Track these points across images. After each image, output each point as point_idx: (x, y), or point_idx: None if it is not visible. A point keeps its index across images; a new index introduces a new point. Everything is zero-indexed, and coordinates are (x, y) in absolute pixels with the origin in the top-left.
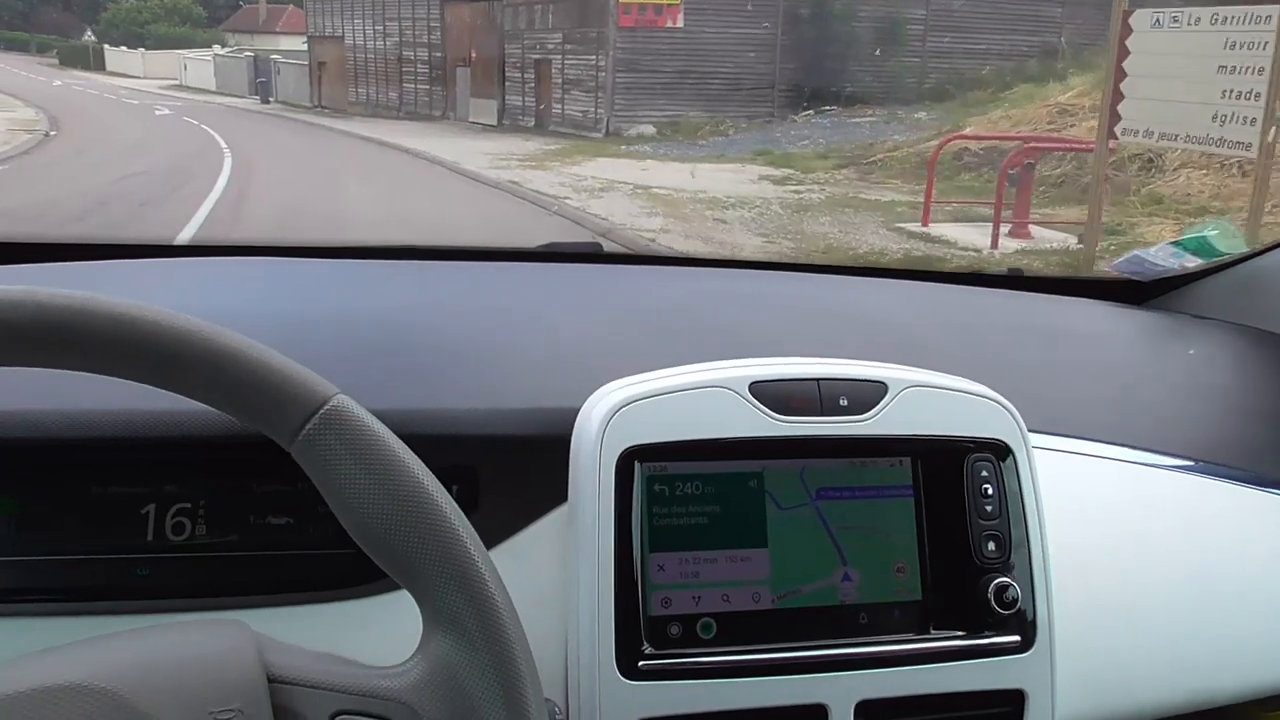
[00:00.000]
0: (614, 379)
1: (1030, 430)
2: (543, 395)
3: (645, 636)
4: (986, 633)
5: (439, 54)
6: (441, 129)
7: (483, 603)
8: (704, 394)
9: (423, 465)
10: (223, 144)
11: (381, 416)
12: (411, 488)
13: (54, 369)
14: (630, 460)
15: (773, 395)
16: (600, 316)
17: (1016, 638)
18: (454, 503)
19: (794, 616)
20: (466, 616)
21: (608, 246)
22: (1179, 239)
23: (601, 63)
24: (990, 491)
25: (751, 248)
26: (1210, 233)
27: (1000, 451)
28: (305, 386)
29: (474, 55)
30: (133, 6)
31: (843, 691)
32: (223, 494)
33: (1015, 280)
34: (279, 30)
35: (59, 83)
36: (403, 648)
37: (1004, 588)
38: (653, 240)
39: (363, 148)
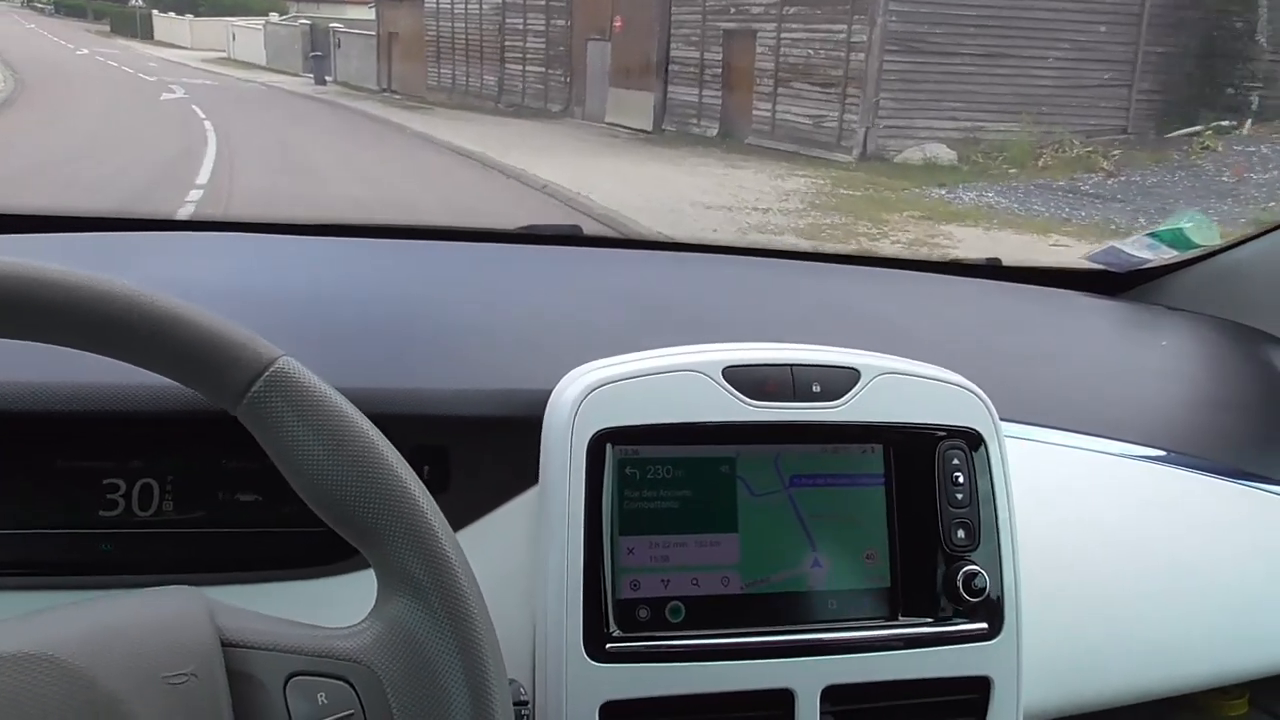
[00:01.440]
0: (589, 359)
1: (1003, 419)
2: (516, 377)
3: (613, 619)
4: (954, 620)
5: (561, 21)
6: (565, 133)
7: (437, 560)
8: (677, 378)
9: (372, 425)
10: (205, 165)
11: (353, 395)
12: (362, 447)
13: (41, 345)
14: (602, 443)
15: (746, 380)
16: (577, 299)
17: (984, 625)
18: (405, 461)
19: (763, 602)
20: (421, 574)
21: (588, 228)
22: (1155, 230)
23: (859, 38)
24: (961, 480)
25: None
26: (1185, 225)
27: (972, 440)
28: (249, 349)
29: (618, 23)
30: None
31: (810, 676)
32: (191, 470)
33: (993, 270)
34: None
35: (84, 51)
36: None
37: (972, 575)
38: None
39: (452, 167)
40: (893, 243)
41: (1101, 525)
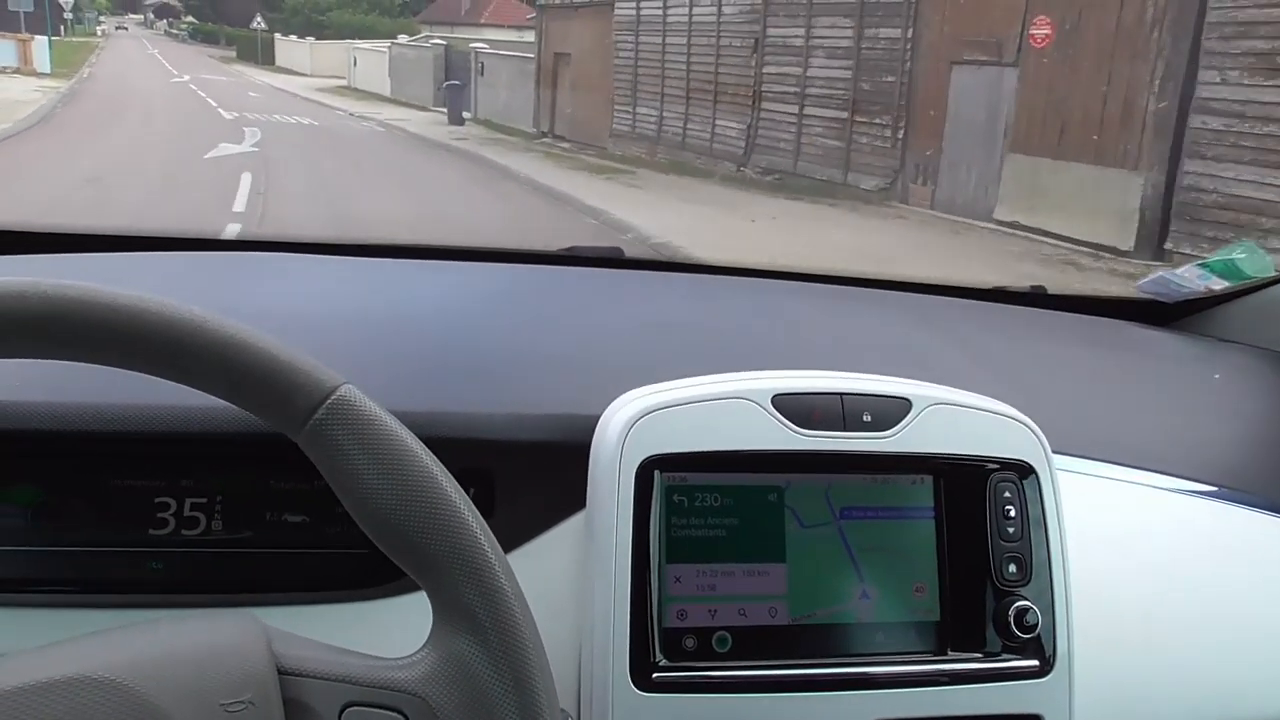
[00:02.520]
0: (634, 386)
1: (1053, 450)
2: (562, 401)
3: (660, 648)
4: (1005, 656)
5: (893, 30)
6: (901, 235)
7: (493, 593)
8: (726, 405)
9: (432, 455)
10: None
11: (400, 417)
12: (421, 477)
13: (60, 360)
14: (650, 470)
15: (795, 408)
16: (621, 322)
17: (1035, 662)
18: (464, 493)
19: (810, 633)
20: (477, 607)
21: (629, 251)
22: (1206, 260)
23: None
24: (1012, 513)
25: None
26: (1238, 256)
27: (1024, 472)
28: (312, 376)
29: (1042, 30)
30: None
31: (857, 711)
32: (240, 490)
33: (1039, 298)
34: (484, 21)
35: (183, 78)
36: (416, 647)
37: (1024, 611)
38: None
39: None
40: None
41: (1153, 561)
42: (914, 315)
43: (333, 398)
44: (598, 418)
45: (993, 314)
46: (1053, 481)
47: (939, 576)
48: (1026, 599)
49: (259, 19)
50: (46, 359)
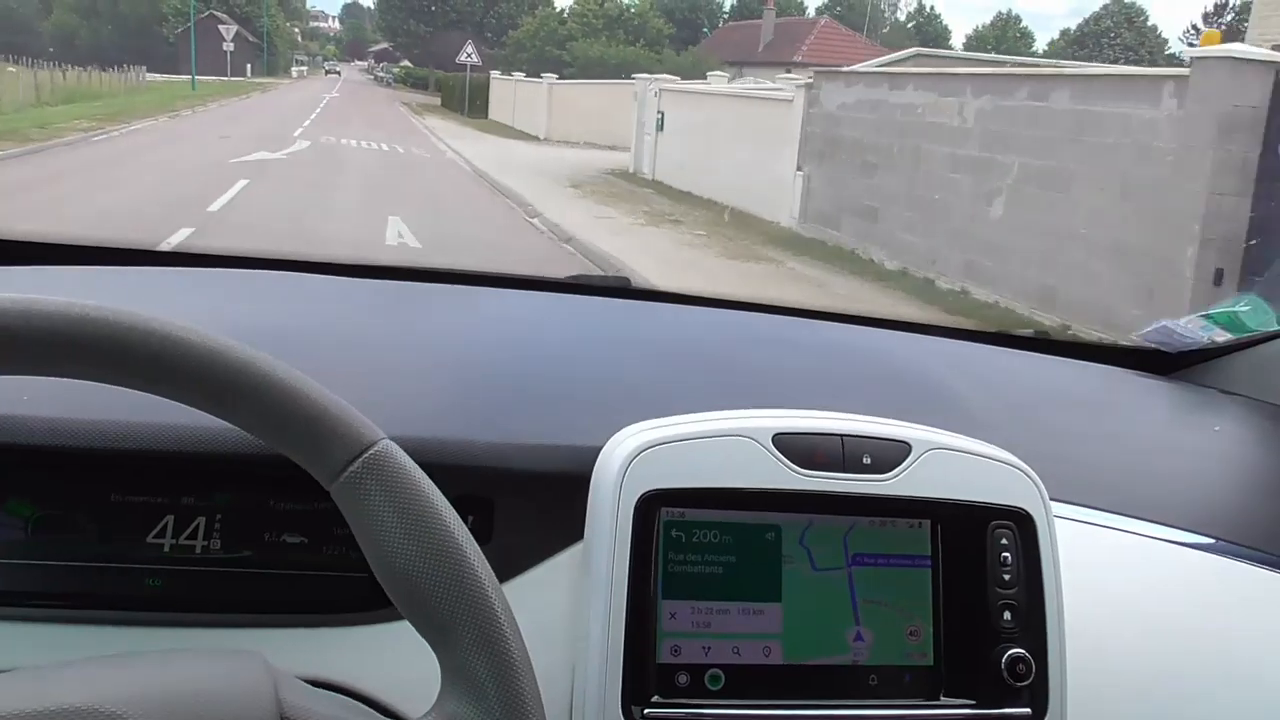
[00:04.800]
0: (637, 418)
1: (1051, 498)
2: (564, 431)
3: (653, 684)
4: (998, 703)
5: None
6: None
7: (504, 665)
8: (727, 442)
9: (459, 520)
10: None
11: (401, 443)
12: (446, 543)
13: (103, 384)
14: (649, 504)
15: (796, 448)
16: (626, 353)
17: (1027, 710)
18: (487, 563)
19: (803, 674)
20: (486, 680)
21: (635, 281)
22: (1209, 312)
23: None
24: (1009, 560)
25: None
26: (1242, 308)
27: (1021, 520)
28: (352, 428)
29: None
30: (547, 17)
31: None
32: (239, 509)
33: (1041, 343)
34: (797, 60)
35: (351, 142)
36: (412, 676)
37: (1017, 659)
38: None
39: None
40: None
41: (1148, 612)
42: (917, 355)
43: (370, 452)
44: (599, 449)
45: (996, 357)
46: (1050, 530)
47: (934, 621)
48: (1021, 647)
49: (469, 50)
50: (90, 381)
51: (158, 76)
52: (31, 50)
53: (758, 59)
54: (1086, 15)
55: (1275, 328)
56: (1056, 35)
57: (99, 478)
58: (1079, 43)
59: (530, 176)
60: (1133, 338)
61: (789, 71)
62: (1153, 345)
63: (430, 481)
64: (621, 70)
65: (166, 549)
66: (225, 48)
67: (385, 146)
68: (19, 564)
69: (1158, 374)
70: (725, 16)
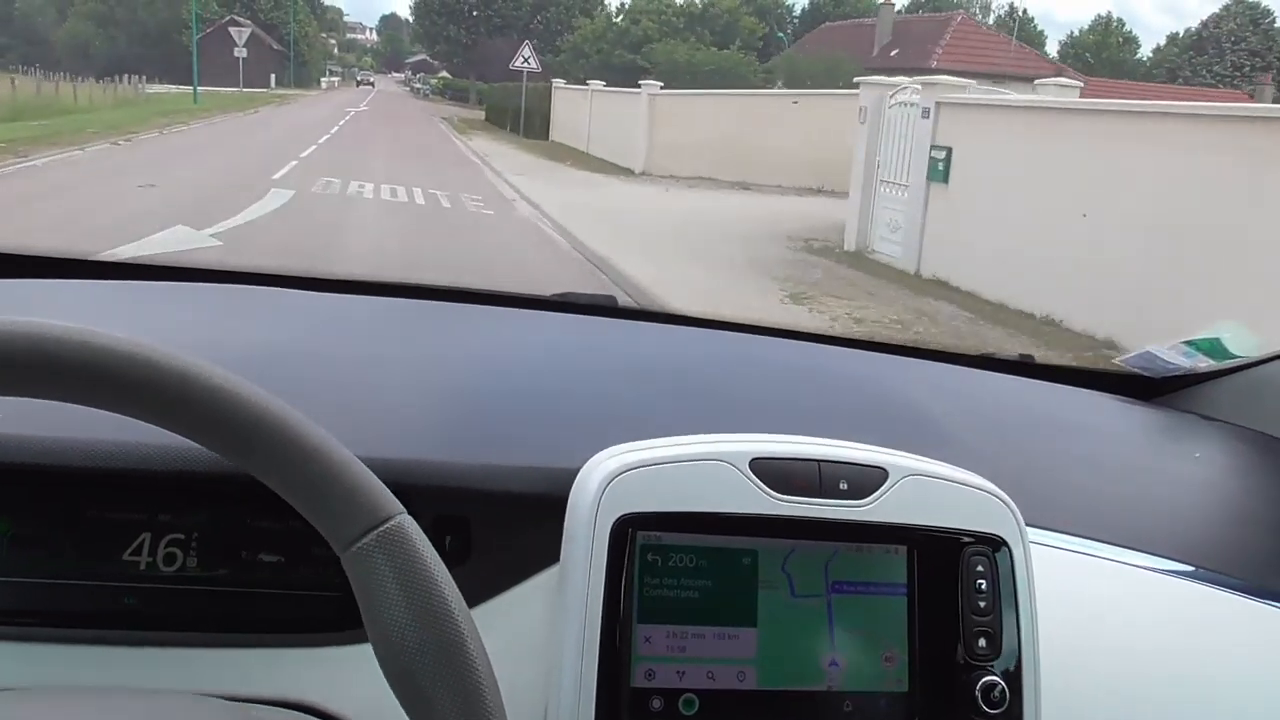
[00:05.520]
0: (616, 439)
1: (1029, 524)
2: (542, 452)
3: (626, 708)
4: None
5: None
6: None
7: None
8: (704, 466)
9: (464, 609)
10: None
11: (375, 465)
12: (448, 631)
13: (136, 420)
14: (625, 528)
15: (773, 473)
16: (608, 373)
17: None
18: (486, 655)
19: (778, 699)
20: None
21: (622, 300)
22: (1192, 339)
23: None
24: (984, 587)
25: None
26: (1224, 335)
27: (996, 546)
28: (370, 499)
29: None
30: (616, 15)
31: None
32: (216, 527)
33: (1025, 367)
34: (932, 65)
35: (364, 189)
36: (387, 697)
37: (991, 686)
38: None
39: None
40: None
41: (1125, 639)
42: (900, 377)
43: (385, 526)
44: (577, 471)
45: (977, 380)
46: (1026, 557)
47: (909, 648)
48: (995, 674)
49: (526, 53)
50: (123, 415)
51: (169, 88)
52: (44, 61)
53: (873, 64)
54: (1206, 17)
55: (1257, 355)
56: (1163, 41)
57: (75, 495)
58: (1196, 48)
59: (680, 259)
60: (1115, 362)
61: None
62: (1135, 370)
63: (441, 564)
64: (717, 79)
65: (142, 566)
66: (237, 54)
67: (420, 196)
68: None
69: (1140, 399)
70: (795, 21)
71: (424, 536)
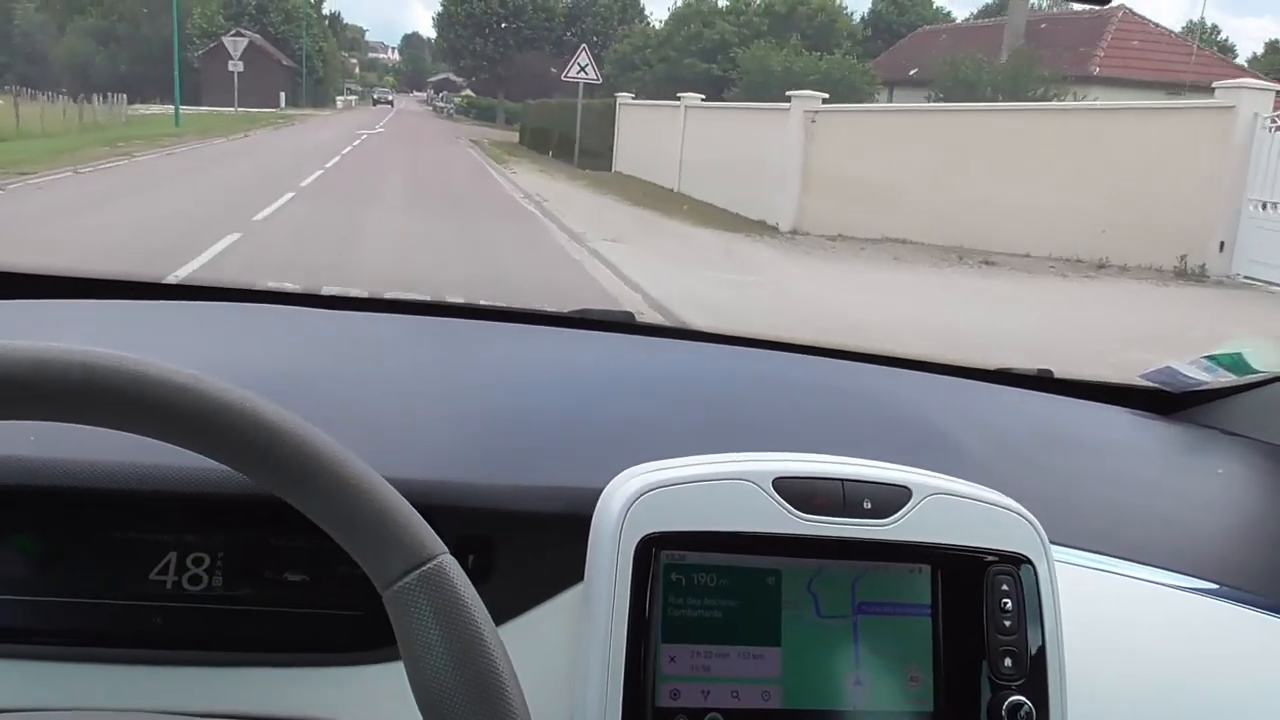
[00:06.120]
0: (638, 458)
1: (1051, 541)
2: (565, 472)
3: None
4: None
5: None
6: None
7: None
8: (727, 485)
9: (503, 651)
10: None
11: (401, 484)
12: (486, 673)
13: (187, 450)
14: (649, 547)
15: (796, 492)
16: (628, 391)
17: None
18: (524, 698)
19: (803, 718)
20: None
21: (640, 317)
22: (1213, 353)
23: None
24: (1009, 606)
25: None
26: (1245, 350)
27: (1022, 565)
28: (414, 538)
29: None
30: (686, 16)
31: None
32: (241, 547)
33: (1044, 382)
34: (1094, 73)
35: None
36: (406, 717)
37: (1017, 706)
38: None
39: None
40: None
41: (1150, 658)
42: (920, 393)
43: (427, 566)
44: (600, 491)
45: (996, 396)
46: (1051, 576)
47: (934, 667)
48: (1022, 694)
49: (583, 62)
50: (176, 445)
51: (167, 108)
52: (39, 83)
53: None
54: None
55: (1278, 370)
56: (1262, 48)
57: (103, 515)
58: None
59: None
60: (1136, 378)
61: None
62: (1155, 385)
63: (481, 605)
64: (823, 90)
65: (169, 586)
66: (232, 67)
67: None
68: (22, 600)
69: (1160, 414)
70: (863, 27)
71: (465, 577)
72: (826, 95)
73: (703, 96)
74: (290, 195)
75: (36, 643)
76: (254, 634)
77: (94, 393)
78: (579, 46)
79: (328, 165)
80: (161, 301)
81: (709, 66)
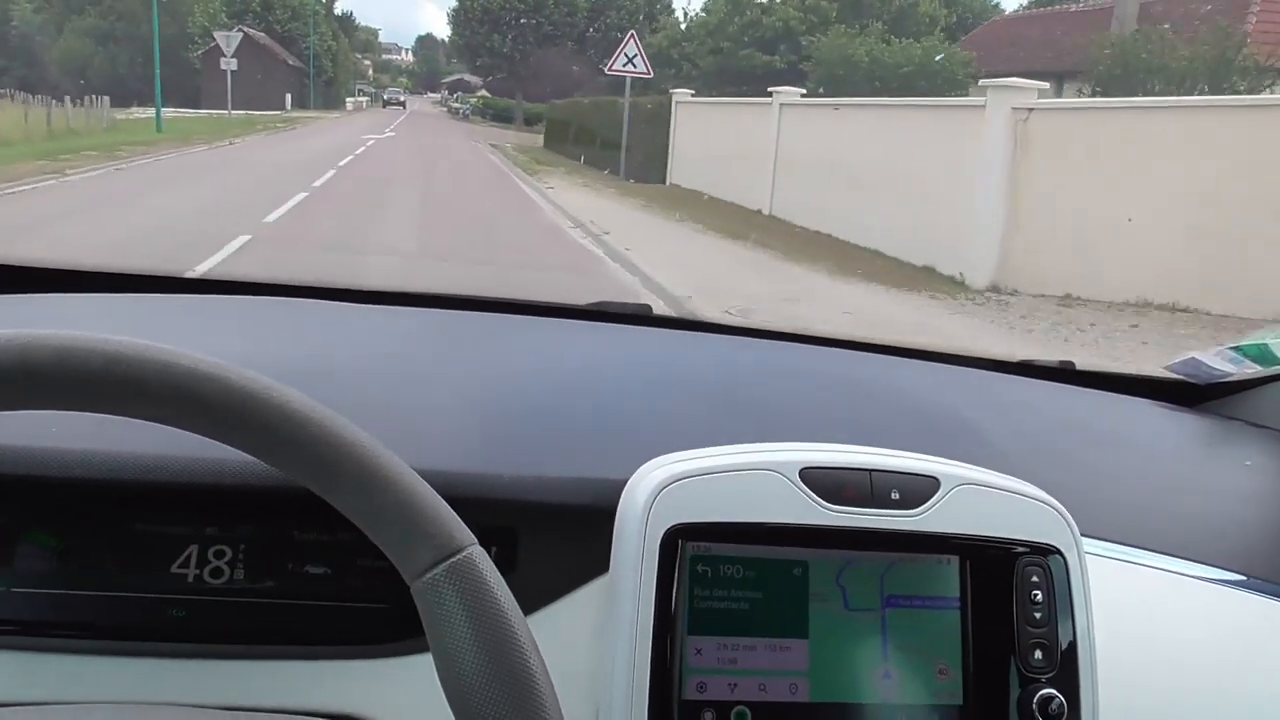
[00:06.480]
0: (661, 450)
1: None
2: (589, 463)
3: None
4: None
5: None
6: None
7: None
8: (753, 476)
9: (533, 643)
10: None
11: (424, 475)
12: (516, 665)
13: (183, 434)
14: (674, 539)
15: (823, 483)
16: (648, 383)
17: None
18: (554, 691)
19: (830, 711)
20: None
21: (657, 309)
22: (1238, 344)
23: None
24: (1039, 598)
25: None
26: (1272, 340)
27: (1052, 557)
28: (443, 529)
29: None
30: (728, 10)
31: None
32: (262, 539)
33: (1067, 374)
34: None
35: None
36: (432, 710)
37: (1048, 699)
38: None
39: None
40: None
41: (1179, 650)
42: (942, 384)
43: (456, 557)
44: (624, 482)
45: (1020, 388)
46: (1082, 567)
47: (963, 659)
48: (1052, 687)
49: (631, 52)
50: (209, 439)
51: (163, 111)
52: (37, 85)
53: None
54: None
55: None
56: None
57: (124, 508)
58: None
59: None
60: (1160, 369)
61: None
62: (1180, 377)
63: (511, 597)
64: (904, 86)
65: (190, 579)
66: (224, 65)
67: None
68: (44, 594)
69: (1185, 406)
70: (946, 12)
71: (494, 569)
72: (1046, 85)
73: (802, 91)
74: (242, 241)
75: (58, 636)
76: (277, 627)
77: (119, 381)
78: (603, 42)
79: (315, 184)
80: (180, 295)
81: (770, 59)
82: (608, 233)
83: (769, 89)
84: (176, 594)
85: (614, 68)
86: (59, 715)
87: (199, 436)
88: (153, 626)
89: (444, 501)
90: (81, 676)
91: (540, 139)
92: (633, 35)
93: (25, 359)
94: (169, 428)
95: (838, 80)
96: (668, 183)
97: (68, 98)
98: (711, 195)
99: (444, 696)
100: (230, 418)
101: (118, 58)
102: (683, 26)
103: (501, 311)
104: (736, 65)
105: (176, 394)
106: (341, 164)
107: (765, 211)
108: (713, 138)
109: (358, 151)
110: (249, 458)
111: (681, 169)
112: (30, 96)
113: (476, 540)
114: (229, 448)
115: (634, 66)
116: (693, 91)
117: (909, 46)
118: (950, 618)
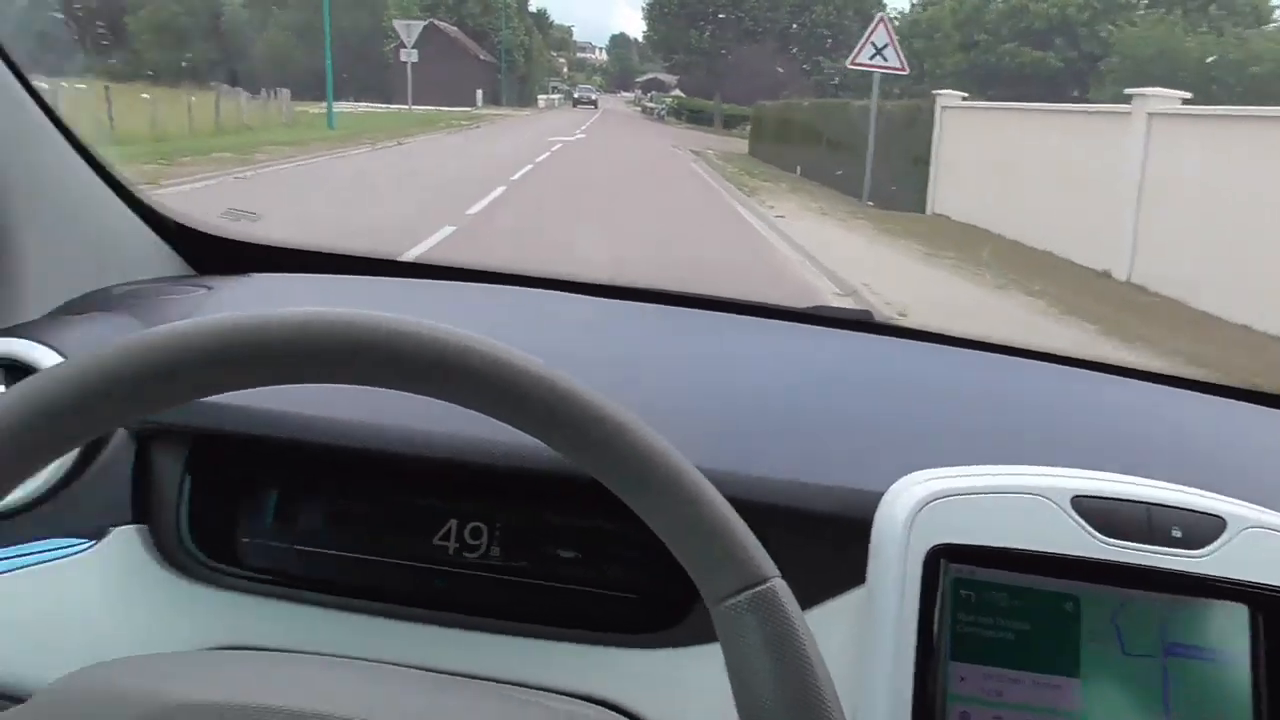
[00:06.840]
0: (909, 463)
1: None
2: (835, 471)
3: None
4: None
5: None
6: None
7: None
8: (1022, 500)
9: (831, 682)
10: None
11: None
12: (813, 703)
13: (449, 412)
14: (937, 559)
15: (1097, 513)
16: (880, 392)
17: None
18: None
19: None
20: None
21: (877, 316)
22: None
23: None
24: None
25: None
26: None
27: None
28: (750, 557)
29: None
30: None
31: None
32: (516, 519)
33: None
34: None
35: None
36: (680, 704)
37: None
38: None
39: None
40: None
41: None
42: (1217, 418)
43: (760, 588)
44: (876, 493)
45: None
46: None
47: (1254, 718)
48: None
49: (881, 41)
50: (519, 430)
51: (357, 106)
52: (242, 79)
53: None
54: None
55: None
56: None
57: (394, 479)
58: None
59: None
60: None
61: None
62: None
63: (811, 634)
64: (1266, 88)
65: (450, 552)
66: (404, 56)
67: None
68: (323, 553)
69: None
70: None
71: (796, 604)
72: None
73: (1182, 97)
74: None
75: (331, 593)
76: (529, 606)
77: (447, 370)
78: (808, 39)
79: (470, 211)
80: (399, 279)
81: (1041, 54)
82: (883, 296)
83: (1127, 91)
84: (438, 564)
85: (857, 60)
86: (321, 667)
87: (464, 414)
88: (418, 593)
89: (750, 531)
90: (354, 634)
91: (743, 144)
92: (882, 19)
93: (396, 343)
94: (435, 406)
95: (1147, 79)
96: (929, 211)
97: (242, 91)
98: (1007, 237)
99: (686, 692)
100: (547, 416)
101: (316, 51)
102: (894, 21)
103: (715, 310)
104: (995, 64)
105: (503, 390)
106: (514, 179)
107: (1120, 276)
108: (1005, 156)
109: (541, 158)
110: (510, 437)
111: (949, 195)
112: (228, 88)
113: (779, 573)
114: (490, 427)
115: (884, 59)
116: (965, 95)
117: (1253, 39)
118: (1239, 673)
